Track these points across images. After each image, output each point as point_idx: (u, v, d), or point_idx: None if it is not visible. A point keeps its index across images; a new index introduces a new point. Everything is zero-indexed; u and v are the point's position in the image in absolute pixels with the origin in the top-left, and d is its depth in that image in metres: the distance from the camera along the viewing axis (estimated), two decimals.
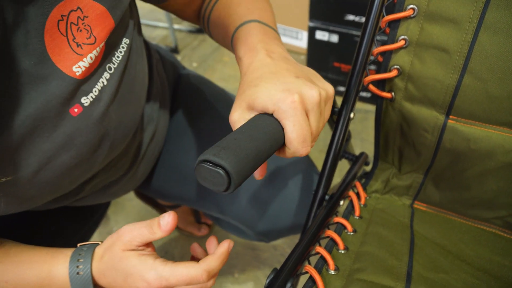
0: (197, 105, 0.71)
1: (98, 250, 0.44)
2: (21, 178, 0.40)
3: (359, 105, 1.52)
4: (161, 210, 1.07)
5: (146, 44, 0.63)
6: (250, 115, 0.38)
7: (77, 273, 0.42)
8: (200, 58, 1.90)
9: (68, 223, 0.68)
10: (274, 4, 1.60)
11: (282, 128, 0.37)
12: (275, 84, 0.37)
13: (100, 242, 0.46)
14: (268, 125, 0.36)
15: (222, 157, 0.30)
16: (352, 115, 0.56)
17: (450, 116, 0.53)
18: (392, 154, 0.64)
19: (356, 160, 0.68)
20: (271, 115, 0.38)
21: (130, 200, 1.23)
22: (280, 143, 0.38)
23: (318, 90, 0.38)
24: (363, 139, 1.38)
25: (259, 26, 0.48)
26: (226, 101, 0.72)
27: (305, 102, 0.37)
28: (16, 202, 0.43)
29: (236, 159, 0.31)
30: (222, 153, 0.30)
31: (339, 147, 0.57)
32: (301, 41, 1.74)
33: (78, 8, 0.38)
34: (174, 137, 0.69)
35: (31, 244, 0.46)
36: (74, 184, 0.48)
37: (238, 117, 0.38)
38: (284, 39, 1.79)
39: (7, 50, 0.35)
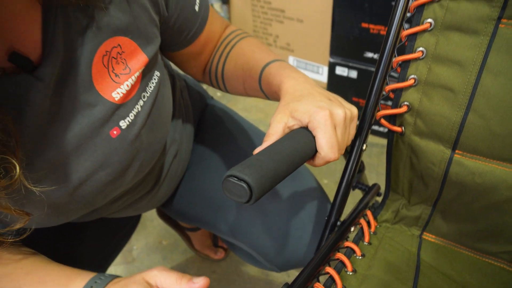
0: (221, 133, 0.77)
1: (116, 280, 0.46)
2: (64, 191, 0.45)
3: (376, 139, 1.55)
4: (181, 231, 1.12)
5: (171, 72, 0.70)
6: (287, 120, 0.46)
7: None
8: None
9: (94, 240, 0.73)
10: (298, 41, 1.70)
11: (313, 139, 0.45)
12: (312, 102, 0.45)
13: (120, 276, 0.47)
14: (293, 146, 0.42)
15: (246, 173, 0.35)
16: (364, 146, 0.60)
17: (456, 151, 0.57)
18: (402, 186, 0.67)
19: (368, 190, 0.71)
20: (305, 128, 0.46)
21: (152, 221, 1.28)
22: (309, 156, 0.45)
23: (344, 110, 0.46)
24: (378, 172, 1.40)
25: (284, 63, 0.56)
26: (247, 132, 0.77)
27: (334, 117, 0.45)
28: (56, 215, 0.48)
29: (257, 176, 0.35)
30: (246, 170, 0.35)
31: (351, 175, 0.61)
32: (322, 76, 1.80)
33: (118, 45, 0.44)
34: (198, 161, 0.74)
35: (59, 255, 0.50)
36: (106, 200, 0.53)
37: (279, 119, 0.46)
38: (306, 73, 1.86)
39: (61, 80, 0.41)
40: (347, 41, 1.42)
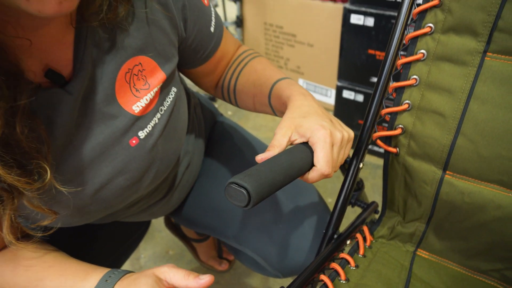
0: (230, 148, 0.82)
1: (129, 274, 0.50)
2: (87, 193, 0.50)
3: (381, 161, 1.59)
4: (187, 242, 1.16)
5: (186, 90, 0.75)
6: (291, 134, 0.50)
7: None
8: (235, 108, 2.05)
9: (108, 241, 0.78)
10: (307, 64, 1.76)
11: (312, 155, 0.49)
12: (316, 120, 0.50)
13: (133, 271, 0.51)
14: (290, 160, 0.47)
15: (245, 181, 0.40)
16: (361, 165, 0.65)
17: (447, 171, 0.61)
18: (397, 203, 0.71)
19: (366, 207, 0.75)
20: (305, 144, 0.50)
21: (160, 231, 1.32)
22: (305, 170, 0.50)
23: (343, 132, 0.51)
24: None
25: (293, 81, 0.61)
26: (254, 147, 0.82)
27: (333, 137, 0.50)
28: (79, 215, 0.53)
29: (256, 184, 0.40)
30: (246, 178, 0.40)
31: (348, 192, 0.65)
32: (330, 98, 1.86)
33: (140, 63, 0.50)
34: (207, 172, 0.79)
35: (73, 254, 0.54)
36: (124, 203, 0.58)
37: (284, 133, 0.50)
38: (315, 95, 1.91)
39: (88, 93, 0.47)
40: (354, 66, 1.47)
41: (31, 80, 0.42)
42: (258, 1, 1.87)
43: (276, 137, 0.50)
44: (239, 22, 2.05)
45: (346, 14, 1.37)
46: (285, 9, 1.78)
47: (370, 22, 1.33)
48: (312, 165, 0.50)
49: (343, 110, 1.61)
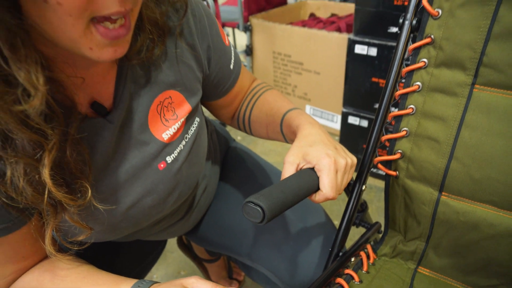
0: (242, 172, 0.88)
1: (156, 285, 0.53)
2: (119, 211, 0.56)
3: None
4: (199, 263, 1.20)
5: (205, 118, 0.82)
6: (299, 161, 0.56)
7: None
8: (244, 133, 2.12)
9: (130, 258, 0.83)
10: (314, 91, 1.84)
11: (318, 179, 0.55)
12: (322, 149, 0.56)
13: (159, 282, 0.54)
14: (299, 183, 0.53)
15: (260, 200, 0.46)
16: (364, 187, 0.71)
17: (443, 193, 0.66)
18: (398, 223, 0.76)
19: (370, 228, 0.80)
20: (311, 169, 0.56)
21: (172, 252, 1.37)
22: (311, 191, 0.55)
23: (346, 159, 0.57)
24: None
25: (302, 111, 0.67)
26: (266, 171, 0.88)
27: (337, 164, 0.55)
28: (110, 231, 0.58)
29: (269, 203, 0.46)
30: (260, 198, 0.46)
31: (352, 212, 0.70)
32: (336, 124, 1.92)
33: (170, 97, 0.57)
34: (222, 195, 0.85)
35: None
36: (149, 221, 0.64)
37: (292, 161, 0.56)
38: (321, 121, 1.98)
39: (125, 122, 0.53)
40: (358, 93, 1.54)
41: (80, 111, 0.49)
42: (267, 31, 1.97)
43: (285, 166, 0.56)
44: (249, 50, 2.14)
45: (351, 44, 1.45)
46: (292, 39, 1.87)
47: (373, 52, 1.40)
48: (318, 188, 0.56)
49: (349, 135, 1.67)
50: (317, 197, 0.56)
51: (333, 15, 2.31)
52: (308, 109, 2.01)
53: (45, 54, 0.42)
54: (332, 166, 0.54)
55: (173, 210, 0.69)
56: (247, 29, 2.06)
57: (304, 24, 2.11)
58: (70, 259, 0.57)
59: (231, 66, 0.68)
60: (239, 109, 0.76)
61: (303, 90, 1.98)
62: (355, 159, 0.61)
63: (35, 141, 0.41)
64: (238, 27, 2.12)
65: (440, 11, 0.62)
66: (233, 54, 0.69)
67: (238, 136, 2.08)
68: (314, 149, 0.56)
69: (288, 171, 0.55)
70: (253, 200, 0.46)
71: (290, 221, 0.79)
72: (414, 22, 0.65)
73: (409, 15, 0.65)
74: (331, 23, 2.00)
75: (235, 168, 0.88)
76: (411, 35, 0.66)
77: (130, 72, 0.52)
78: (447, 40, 0.62)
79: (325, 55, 1.78)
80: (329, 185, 0.54)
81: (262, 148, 1.98)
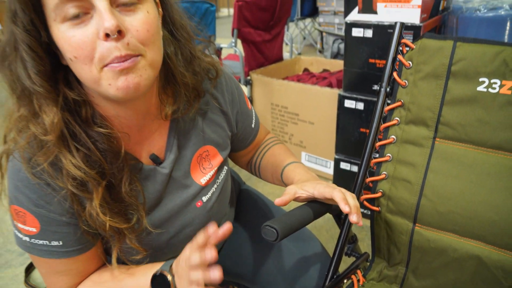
0: (254, 211, 1.03)
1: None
2: (164, 239, 0.70)
3: None
4: None
5: None
6: (297, 190, 0.69)
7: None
8: (245, 177, 2.28)
9: None
10: (309, 139, 2.01)
11: (319, 206, 0.68)
12: (315, 182, 0.69)
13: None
14: (302, 211, 0.67)
15: (275, 223, 0.61)
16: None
17: (416, 224, 0.82)
18: (383, 251, 0.90)
19: (359, 257, 0.94)
20: (314, 201, 0.69)
21: None
22: (317, 217, 0.68)
23: (341, 190, 0.69)
24: None
25: (299, 164, 0.83)
26: (271, 211, 1.03)
27: (330, 186, 0.68)
28: (159, 254, 0.71)
29: (282, 226, 0.62)
30: (275, 222, 0.62)
31: (344, 240, 0.85)
32: (329, 169, 2.10)
33: (207, 150, 0.73)
34: (236, 229, 1.00)
35: None
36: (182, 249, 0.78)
37: (292, 187, 0.69)
38: (316, 166, 2.16)
39: (173, 169, 0.69)
40: (349, 142, 1.73)
41: (140, 161, 0.65)
42: (266, 85, 2.19)
43: (286, 189, 0.70)
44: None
45: (341, 99, 1.66)
46: (289, 92, 2.09)
47: (360, 106, 1.60)
48: (323, 211, 0.71)
49: (341, 179, 1.84)
50: (347, 208, 0.64)
51: (324, 70, 2.55)
52: (303, 155, 2.19)
53: (104, 114, 0.61)
54: (328, 187, 0.66)
55: None
56: (248, 82, 2.28)
57: (299, 78, 2.34)
58: (121, 267, 0.70)
59: (253, 125, 0.86)
60: (252, 157, 0.93)
61: (299, 138, 2.17)
62: (347, 191, 0.73)
63: (89, 180, 0.58)
64: (239, 81, 2.34)
65: (406, 82, 0.81)
66: (254, 115, 0.87)
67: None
68: (309, 183, 0.70)
69: (288, 191, 0.69)
70: (269, 224, 0.62)
71: (291, 251, 0.94)
72: (388, 89, 0.84)
73: (384, 84, 0.84)
74: (323, 79, 2.22)
75: (247, 207, 1.04)
76: (386, 99, 0.85)
77: (177, 131, 0.70)
78: (413, 103, 0.81)
79: (319, 107, 1.98)
80: (346, 194, 0.65)
81: (262, 190, 2.13)
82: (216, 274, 0.53)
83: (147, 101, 0.64)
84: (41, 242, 0.61)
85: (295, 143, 2.20)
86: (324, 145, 2.06)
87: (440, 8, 1.51)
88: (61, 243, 0.62)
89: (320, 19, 4.86)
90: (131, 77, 0.53)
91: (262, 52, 2.40)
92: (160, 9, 0.61)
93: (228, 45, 2.24)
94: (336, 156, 1.80)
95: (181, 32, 0.66)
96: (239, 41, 2.27)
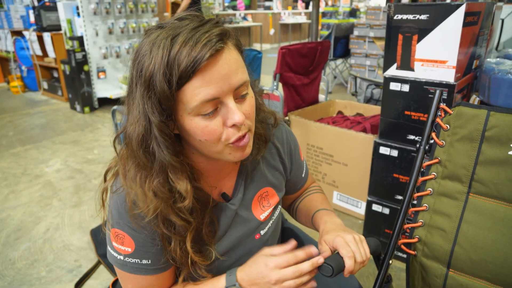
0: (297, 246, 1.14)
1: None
2: (226, 265, 0.81)
3: (402, 265, 1.84)
4: None
5: None
6: (325, 241, 0.77)
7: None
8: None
9: None
10: (342, 180, 2.13)
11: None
12: (333, 234, 0.78)
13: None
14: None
15: (331, 262, 0.72)
16: (390, 261, 0.96)
17: (450, 269, 0.91)
18: None
19: None
20: (336, 253, 0.75)
21: None
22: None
23: (353, 235, 0.76)
24: None
25: (328, 212, 0.92)
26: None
27: (345, 239, 0.75)
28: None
29: (336, 263, 0.72)
30: (331, 260, 0.72)
31: (380, 282, 0.95)
32: (361, 209, 2.18)
33: (267, 191, 0.86)
34: None
35: None
36: None
37: (324, 244, 0.78)
38: (347, 206, 2.25)
39: (239, 206, 0.82)
40: (381, 185, 1.82)
41: (214, 199, 0.79)
42: (303, 126, 2.32)
43: (321, 247, 0.78)
44: None
45: (376, 146, 1.77)
46: (325, 135, 2.22)
47: (394, 153, 1.71)
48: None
49: (372, 220, 1.92)
50: (346, 267, 0.72)
51: (358, 114, 2.68)
52: (335, 194, 2.29)
53: (197, 168, 0.74)
54: (341, 240, 0.73)
55: None
56: (286, 123, 2.42)
57: (333, 120, 2.47)
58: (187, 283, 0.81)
59: (303, 175, 0.99)
60: (295, 201, 1.05)
61: (332, 178, 2.27)
62: (362, 237, 0.78)
63: (184, 226, 0.71)
64: None
65: (444, 142, 0.92)
66: (305, 166, 0.99)
67: None
68: (339, 237, 0.75)
69: (324, 248, 0.77)
70: (327, 262, 0.73)
71: (331, 286, 1.03)
72: (426, 147, 0.95)
73: (423, 142, 0.96)
74: (358, 123, 2.35)
75: (291, 235, 1.14)
76: (425, 155, 0.96)
77: (245, 174, 0.83)
78: (449, 161, 0.92)
79: (353, 150, 2.10)
80: (346, 255, 0.72)
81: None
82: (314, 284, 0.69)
83: None
84: (133, 260, 0.74)
85: (328, 183, 2.30)
86: (356, 186, 2.16)
87: (473, 66, 1.63)
88: (150, 261, 0.75)
89: (352, 60, 5.04)
90: (245, 149, 0.70)
91: (300, 95, 2.55)
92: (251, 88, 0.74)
93: (270, 88, 2.41)
94: (369, 198, 1.89)
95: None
96: (279, 84, 2.44)
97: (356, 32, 4.88)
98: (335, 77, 5.72)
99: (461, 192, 0.90)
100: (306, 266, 0.69)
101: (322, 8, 8.06)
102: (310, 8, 4.48)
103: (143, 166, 0.68)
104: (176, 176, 0.68)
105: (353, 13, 7.34)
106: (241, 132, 0.67)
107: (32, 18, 5.06)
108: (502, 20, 2.20)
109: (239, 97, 0.67)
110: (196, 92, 0.61)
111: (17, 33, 5.36)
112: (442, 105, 0.93)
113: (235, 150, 0.69)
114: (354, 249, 0.74)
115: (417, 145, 0.96)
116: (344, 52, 5.18)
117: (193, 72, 0.60)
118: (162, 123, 0.64)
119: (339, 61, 5.79)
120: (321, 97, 2.94)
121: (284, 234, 1.18)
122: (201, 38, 0.60)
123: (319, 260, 0.70)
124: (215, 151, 0.68)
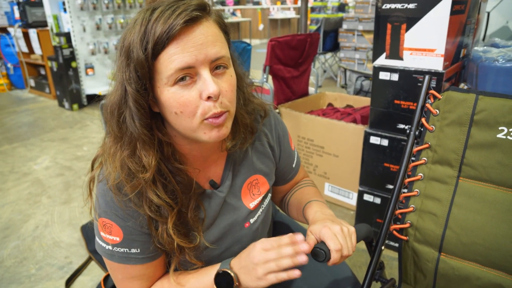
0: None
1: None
2: (216, 254, 0.81)
3: (394, 254, 1.85)
4: None
5: None
6: (311, 231, 0.75)
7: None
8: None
9: None
10: (333, 171, 2.13)
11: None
12: (321, 224, 0.76)
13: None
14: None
15: (322, 247, 0.72)
16: (382, 248, 0.96)
17: (441, 253, 0.92)
18: (409, 277, 1.00)
19: (386, 282, 1.04)
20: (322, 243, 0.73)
21: None
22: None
23: (341, 226, 0.74)
24: None
25: (318, 202, 0.91)
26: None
27: (332, 229, 0.73)
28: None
29: (327, 249, 0.72)
30: (323, 245, 0.72)
31: (373, 268, 0.95)
32: (352, 200, 2.19)
33: (257, 179, 0.86)
34: None
35: None
36: None
37: (309, 234, 0.77)
38: (338, 197, 2.25)
39: (228, 193, 0.81)
40: (372, 175, 1.83)
41: (201, 186, 0.78)
42: (293, 118, 2.32)
43: (308, 235, 0.77)
44: None
45: (367, 135, 1.77)
46: (315, 126, 2.22)
47: (385, 142, 1.72)
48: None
49: (364, 210, 1.93)
50: (332, 257, 0.73)
51: (348, 105, 2.69)
52: (326, 186, 2.30)
53: (181, 152, 0.73)
54: (329, 231, 0.72)
55: None
56: None
57: (324, 112, 2.47)
58: (181, 273, 0.81)
59: (293, 165, 0.98)
60: (286, 195, 1.04)
61: (323, 170, 2.28)
62: (352, 228, 0.76)
63: (166, 208, 0.70)
64: None
65: (433, 127, 0.93)
66: (296, 156, 0.99)
67: None
68: (316, 225, 0.76)
69: (308, 238, 0.75)
70: (319, 246, 0.72)
71: (323, 273, 1.04)
72: (417, 133, 0.95)
73: (413, 128, 0.96)
74: (348, 114, 2.35)
75: (283, 228, 1.15)
76: (415, 141, 0.96)
77: (233, 161, 0.82)
78: (439, 146, 0.92)
79: (343, 142, 2.10)
80: (334, 246, 0.71)
81: None
82: (303, 258, 0.67)
83: None
84: (122, 250, 0.74)
85: (319, 174, 2.30)
86: (347, 177, 2.17)
87: (461, 55, 1.64)
88: (138, 250, 0.74)
89: (341, 54, 5.06)
90: (221, 129, 0.68)
91: (290, 87, 2.55)
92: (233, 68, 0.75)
93: (260, 80, 2.40)
94: (360, 188, 1.90)
95: (240, 82, 0.79)
96: (269, 76, 2.43)
97: (345, 26, 4.89)
98: (324, 71, 5.73)
99: (451, 176, 0.91)
100: (288, 249, 0.68)
101: (311, 3, 8.06)
102: (299, 3, 4.48)
103: (116, 138, 0.69)
104: (144, 148, 0.68)
105: (342, 7, 7.36)
106: (217, 109, 0.65)
107: (17, 14, 4.97)
108: (488, 13, 2.22)
109: (216, 70, 0.66)
110: (171, 59, 0.62)
111: (2, 30, 5.27)
112: (432, 91, 0.94)
113: (210, 128, 0.67)
114: (342, 242, 0.73)
115: (407, 131, 0.97)
116: (333, 46, 5.19)
117: (167, 39, 0.61)
118: (137, 92, 0.64)
119: (328, 55, 5.80)
120: (311, 89, 2.94)
121: (276, 226, 1.18)
122: (178, 8, 0.62)
123: (302, 246, 0.69)
124: (190, 128, 0.67)
